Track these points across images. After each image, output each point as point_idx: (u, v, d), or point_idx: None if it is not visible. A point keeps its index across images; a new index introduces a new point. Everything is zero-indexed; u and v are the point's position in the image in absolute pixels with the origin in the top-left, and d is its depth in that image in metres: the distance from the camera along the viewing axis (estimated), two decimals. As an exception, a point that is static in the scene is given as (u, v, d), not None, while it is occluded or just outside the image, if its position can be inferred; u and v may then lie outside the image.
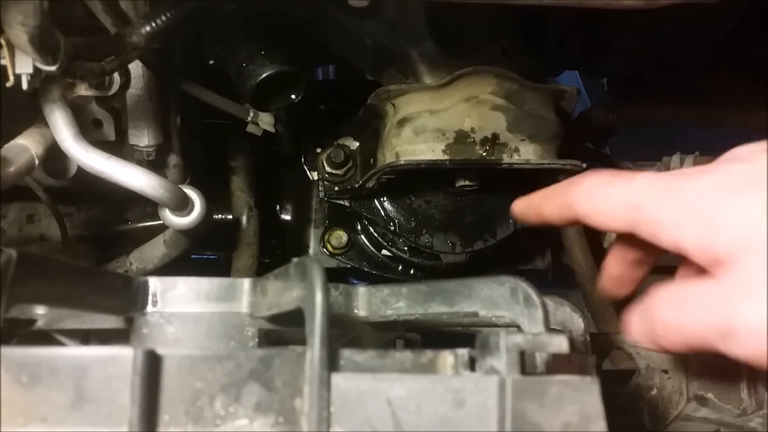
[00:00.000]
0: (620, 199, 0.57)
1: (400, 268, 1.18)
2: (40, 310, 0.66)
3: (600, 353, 0.82)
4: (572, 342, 0.51)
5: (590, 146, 1.25)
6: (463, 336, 0.76)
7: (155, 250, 1.02)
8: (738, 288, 0.50)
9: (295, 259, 0.56)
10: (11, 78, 0.64)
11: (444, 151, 0.92)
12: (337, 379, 0.48)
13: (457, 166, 0.94)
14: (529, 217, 0.70)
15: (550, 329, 0.55)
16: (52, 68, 0.65)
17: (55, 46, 0.64)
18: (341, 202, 1.08)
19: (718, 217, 0.51)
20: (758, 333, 0.48)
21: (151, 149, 0.93)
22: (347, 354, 0.51)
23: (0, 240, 1.08)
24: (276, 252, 1.21)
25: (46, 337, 0.67)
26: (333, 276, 0.92)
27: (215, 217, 1.07)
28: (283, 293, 0.58)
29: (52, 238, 1.11)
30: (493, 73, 0.92)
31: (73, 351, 0.53)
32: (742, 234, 0.50)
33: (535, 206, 0.68)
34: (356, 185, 1.03)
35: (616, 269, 0.69)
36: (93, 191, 1.00)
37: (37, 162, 0.79)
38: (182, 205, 0.87)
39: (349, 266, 1.18)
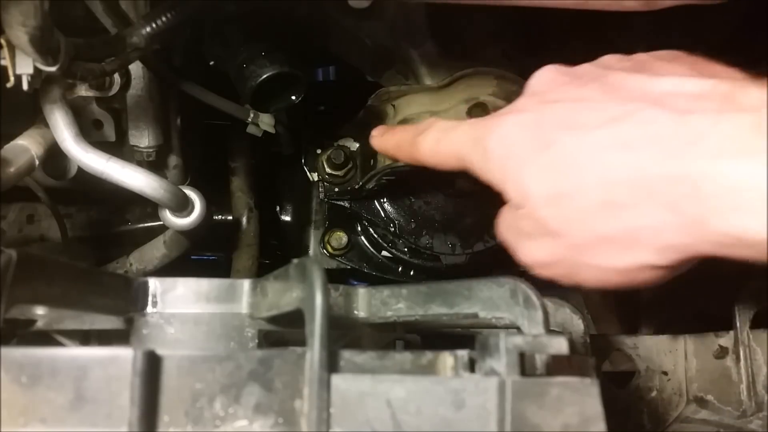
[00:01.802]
0: (448, 152, 0.67)
1: (400, 269, 1.17)
2: (40, 311, 0.66)
3: (600, 355, 0.82)
4: (572, 343, 0.51)
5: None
6: (462, 337, 0.76)
7: (155, 250, 1.02)
8: (517, 230, 0.62)
9: (295, 260, 0.56)
10: (12, 78, 0.64)
11: (444, 153, 0.92)
12: (336, 380, 0.48)
13: (457, 167, 0.94)
14: (384, 152, 0.82)
15: (549, 331, 0.56)
16: (53, 69, 0.65)
17: (55, 46, 0.64)
18: (341, 203, 1.08)
19: (505, 178, 0.60)
20: (538, 267, 0.61)
21: (151, 150, 0.93)
22: (347, 355, 0.51)
23: (0, 240, 1.08)
24: (276, 253, 1.21)
25: (46, 338, 0.67)
26: (333, 277, 0.92)
27: (215, 217, 1.07)
28: (283, 294, 0.58)
29: (52, 239, 1.11)
30: (493, 74, 0.92)
31: (73, 351, 0.53)
32: (518, 196, 0.60)
33: (390, 153, 0.78)
34: (356, 186, 1.03)
35: None
36: (93, 192, 1.00)
37: (37, 162, 0.79)
38: (182, 205, 0.87)
39: (348, 267, 1.18)
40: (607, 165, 0.53)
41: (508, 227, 0.64)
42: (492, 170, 0.62)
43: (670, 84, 0.55)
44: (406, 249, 1.13)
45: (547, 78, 0.66)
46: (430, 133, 0.69)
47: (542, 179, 0.57)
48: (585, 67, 0.66)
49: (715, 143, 0.48)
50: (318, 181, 1.11)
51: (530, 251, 0.62)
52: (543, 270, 0.61)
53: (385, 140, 0.78)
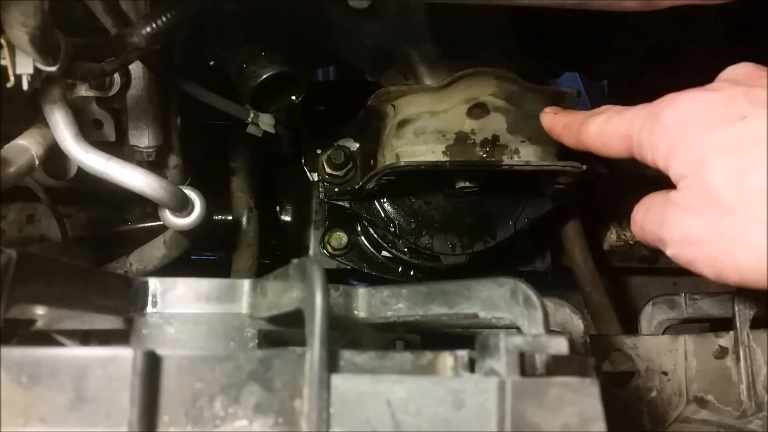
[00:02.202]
0: (616, 131, 0.67)
1: (399, 269, 1.17)
2: (40, 311, 0.66)
3: (600, 355, 0.82)
4: (572, 343, 0.51)
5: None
6: (462, 337, 0.76)
7: (155, 250, 1.02)
8: (674, 205, 0.60)
9: (294, 260, 0.56)
10: (12, 78, 0.64)
11: (444, 153, 0.92)
12: (336, 380, 0.48)
13: (458, 167, 0.94)
14: (552, 133, 0.82)
15: (549, 331, 0.56)
16: (53, 69, 0.65)
17: (55, 46, 0.64)
18: (341, 203, 1.08)
19: (676, 147, 0.60)
20: (684, 243, 0.60)
21: (151, 150, 0.93)
22: (347, 355, 0.51)
23: (0, 240, 1.08)
24: (276, 253, 1.21)
25: (45, 338, 0.67)
26: (333, 277, 0.92)
27: (215, 217, 1.06)
28: (282, 294, 0.58)
29: (52, 239, 1.11)
30: (493, 74, 0.92)
31: (73, 351, 0.53)
32: (689, 165, 0.59)
33: (556, 133, 0.80)
34: (356, 186, 1.03)
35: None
36: (93, 192, 1.00)
37: (37, 162, 0.79)
38: (182, 205, 0.87)
39: (348, 267, 1.18)
40: None
41: (656, 204, 0.63)
42: (659, 142, 0.61)
43: None
44: (406, 249, 1.13)
45: (743, 69, 0.65)
46: (601, 115, 0.70)
47: (725, 149, 0.56)
48: None
49: None
50: (318, 181, 1.11)
51: (683, 224, 0.59)
52: (691, 246, 0.59)
53: (557, 119, 0.80)
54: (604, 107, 0.71)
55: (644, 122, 0.63)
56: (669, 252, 0.62)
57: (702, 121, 0.59)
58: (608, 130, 0.68)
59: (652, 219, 0.64)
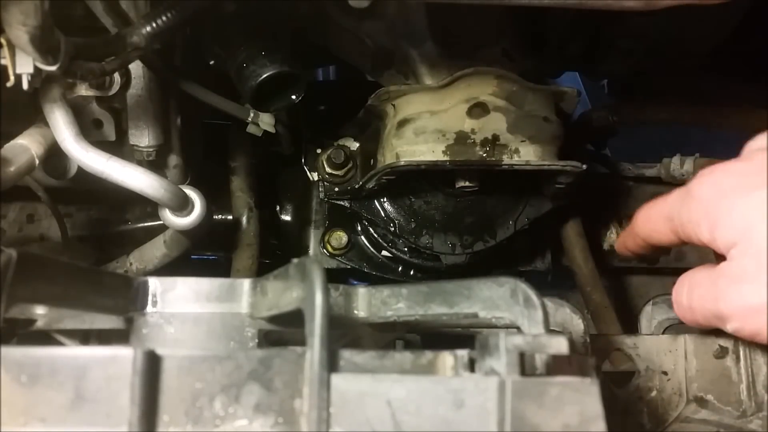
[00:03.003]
0: (659, 215, 0.68)
1: (400, 268, 1.17)
2: (40, 310, 0.66)
3: (600, 355, 0.82)
4: (572, 343, 0.51)
5: (590, 147, 1.25)
6: (462, 337, 0.76)
7: (155, 250, 1.02)
8: (728, 277, 0.58)
9: (295, 260, 0.56)
10: (12, 78, 0.64)
11: (444, 152, 0.92)
12: (336, 379, 0.48)
13: (458, 167, 0.94)
14: (625, 256, 0.83)
15: (549, 330, 0.56)
16: (53, 68, 0.65)
17: (55, 46, 0.64)
18: (341, 202, 1.08)
19: (718, 217, 0.59)
20: (747, 315, 0.57)
21: (151, 149, 0.93)
22: (347, 355, 0.51)
23: (0, 240, 1.08)
24: (276, 252, 1.21)
25: (45, 337, 0.67)
26: (333, 277, 0.92)
27: (215, 217, 1.06)
28: (282, 294, 0.58)
29: (52, 238, 1.11)
30: (493, 74, 0.92)
31: (73, 351, 0.53)
32: (736, 232, 0.57)
33: (625, 248, 0.81)
34: (356, 186, 1.03)
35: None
36: (93, 191, 1.00)
37: (37, 162, 0.79)
38: (182, 205, 0.87)
39: (348, 267, 1.18)
40: None
41: (703, 279, 0.62)
42: (699, 217, 0.61)
43: None
44: (406, 249, 1.13)
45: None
46: (648, 204, 0.71)
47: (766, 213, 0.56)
48: None
49: None
50: (318, 180, 1.11)
51: (744, 295, 0.57)
52: (756, 316, 0.57)
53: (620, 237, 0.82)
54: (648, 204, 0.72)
55: (682, 202, 0.64)
56: (731, 327, 0.60)
57: (740, 188, 0.58)
58: (652, 215, 0.69)
59: (703, 296, 0.62)
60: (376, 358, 0.52)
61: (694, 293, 0.63)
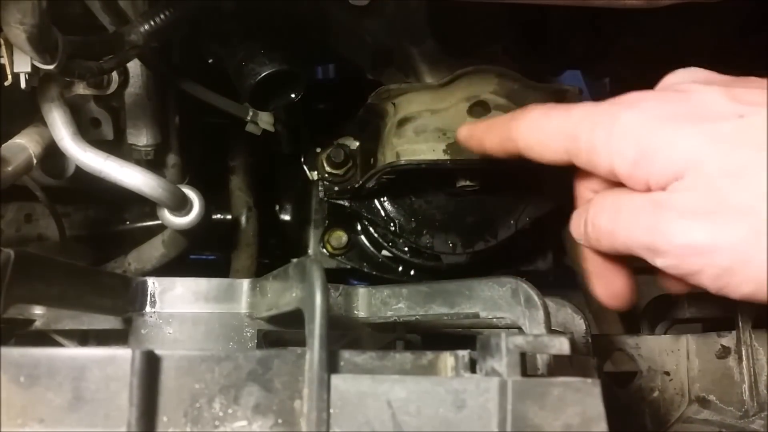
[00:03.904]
0: (559, 129, 0.59)
1: (400, 268, 1.17)
2: (38, 311, 0.66)
3: (601, 355, 0.82)
4: (573, 344, 0.51)
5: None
6: (463, 337, 0.76)
7: (154, 250, 1.02)
8: (672, 210, 0.53)
9: (294, 260, 0.56)
10: (9, 77, 0.64)
11: (445, 151, 0.92)
12: (336, 380, 0.48)
13: (458, 166, 0.94)
14: (471, 147, 0.72)
15: (551, 331, 0.55)
16: (51, 67, 0.64)
17: (53, 44, 0.64)
18: (341, 202, 1.08)
19: (653, 146, 0.54)
20: (687, 254, 0.52)
21: (149, 148, 0.93)
22: (347, 355, 0.51)
23: (-2, 240, 1.08)
24: (275, 252, 1.21)
25: (44, 338, 0.67)
26: (333, 277, 0.92)
27: (214, 217, 1.06)
28: (282, 294, 0.58)
29: (50, 238, 1.11)
30: (494, 72, 0.91)
31: (72, 352, 0.52)
32: (681, 164, 0.52)
33: (477, 137, 0.70)
34: (356, 185, 1.03)
35: (594, 264, 0.67)
36: (91, 191, 0.99)
37: (35, 161, 0.79)
38: (181, 204, 0.87)
39: (349, 267, 1.17)
40: None
41: (643, 206, 0.55)
42: (624, 145, 0.54)
43: None
44: (406, 248, 1.13)
45: (699, 73, 0.60)
46: (536, 110, 0.62)
47: (727, 145, 0.51)
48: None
49: None
50: (318, 179, 1.11)
51: (689, 232, 0.52)
52: (696, 257, 0.52)
53: (475, 126, 0.72)
54: (534, 104, 0.64)
55: (598, 123, 0.56)
56: (663, 263, 0.55)
57: (685, 119, 0.53)
58: (547, 126, 0.60)
59: (635, 223, 0.56)
60: (376, 358, 0.51)
61: (621, 218, 0.56)
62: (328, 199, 1.09)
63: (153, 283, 0.65)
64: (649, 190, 0.55)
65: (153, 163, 0.95)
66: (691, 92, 0.56)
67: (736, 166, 0.51)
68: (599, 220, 0.59)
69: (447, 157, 0.92)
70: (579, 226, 0.64)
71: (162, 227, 1.00)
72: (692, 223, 0.52)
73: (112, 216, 1.14)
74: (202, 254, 1.25)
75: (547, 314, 0.55)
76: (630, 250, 0.57)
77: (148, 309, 0.64)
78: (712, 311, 0.89)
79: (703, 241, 0.51)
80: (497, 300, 0.58)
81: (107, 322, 0.66)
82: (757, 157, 0.50)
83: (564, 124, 0.59)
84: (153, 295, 0.65)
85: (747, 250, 0.50)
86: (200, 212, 0.89)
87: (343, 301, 0.65)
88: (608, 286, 0.67)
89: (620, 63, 1.11)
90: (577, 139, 0.57)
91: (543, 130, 0.61)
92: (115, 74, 0.86)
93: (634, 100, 0.57)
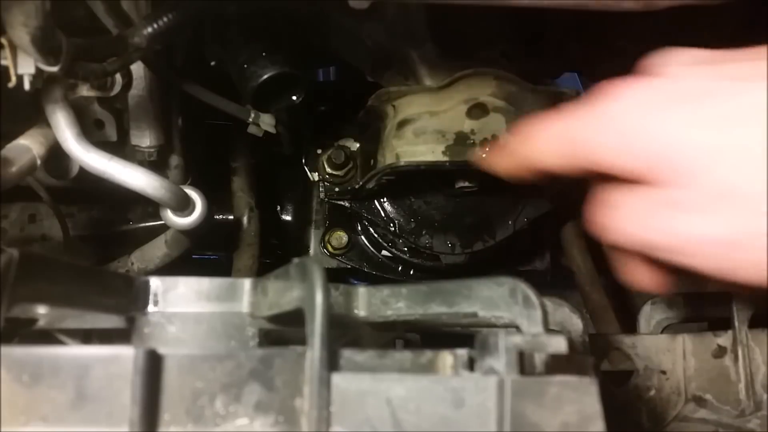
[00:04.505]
0: (556, 136, 0.58)
1: (399, 268, 1.18)
2: (41, 310, 0.66)
3: (599, 354, 0.83)
4: (571, 343, 0.51)
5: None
6: (462, 336, 0.77)
7: (156, 250, 1.03)
8: (660, 202, 0.51)
9: (295, 260, 0.56)
10: (13, 78, 0.64)
11: (444, 153, 0.93)
12: (337, 378, 0.48)
13: (457, 167, 0.94)
14: (499, 174, 0.70)
15: (549, 330, 0.56)
16: (54, 69, 0.65)
17: (57, 46, 0.64)
18: (342, 202, 1.08)
19: (639, 137, 0.51)
20: (698, 247, 0.50)
21: (152, 150, 0.93)
22: (347, 354, 0.51)
23: (1, 240, 1.08)
24: (276, 252, 1.21)
25: (47, 337, 0.67)
26: (333, 276, 0.93)
27: (216, 217, 1.07)
28: (283, 293, 0.58)
29: (54, 238, 1.11)
30: (492, 75, 0.92)
31: (75, 350, 0.53)
32: (665, 152, 0.50)
33: (499, 167, 0.68)
34: (356, 186, 1.03)
35: (614, 255, 0.65)
36: (95, 191, 1.00)
37: (39, 162, 0.79)
38: (183, 205, 0.87)
39: (349, 267, 1.18)
40: None
41: (643, 209, 0.53)
42: (611, 143, 0.53)
43: None
44: (406, 248, 1.13)
45: (684, 53, 0.58)
46: (535, 122, 0.60)
47: (709, 130, 0.48)
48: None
49: None
50: (318, 180, 1.12)
51: (698, 227, 0.50)
52: (716, 249, 0.50)
53: (489, 153, 0.71)
54: (532, 118, 0.62)
55: (583, 121, 0.55)
56: (663, 256, 0.53)
57: (673, 103, 0.51)
58: (543, 134, 0.59)
59: (649, 224, 0.53)
60: (376, 357, 0.52)
61: (617, 215, 0.55)
62: (328, 200, 1.09)
63: (156, 283, 0.65)
64: (643, 182, 0.53)
65: (156, 164, 0.95)
66: (677, 75, 0.54)
67: (732, 148, 0.48)
68: (598, 217, 0.58)
69: (446, 158, 0.93)
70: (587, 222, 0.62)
71: (165, 227, 1.01)
72: (701, 218, 0.50)
73: (116, 216, 1.14)
74: (204, 254, 1.25)
75: (545, 314, 0.55)
76: (631, 247, 0.56)
77: (150, 308, 0.64)
78: (708, 311, 0.89)
79: (720, 234, 0.50)
80: (495, 300, 0.58)
81: (110, 321, 0.66)
82: (754, 134, 0.47)
83: (560, 128, 0.58)
84: (156, 295, 0.65)
85: (748, 234, 0.49)
86: (202, 213, 0.90)
87: (344, 300, 0.65)
88: (634, 273, 0.64)
89: (618, 66, 1.11)
90: (574, 141, 0.57)
91: (547, 141, 0.60)
92: (118, 76, 0.86)
93: (619, 89, 0.55)
